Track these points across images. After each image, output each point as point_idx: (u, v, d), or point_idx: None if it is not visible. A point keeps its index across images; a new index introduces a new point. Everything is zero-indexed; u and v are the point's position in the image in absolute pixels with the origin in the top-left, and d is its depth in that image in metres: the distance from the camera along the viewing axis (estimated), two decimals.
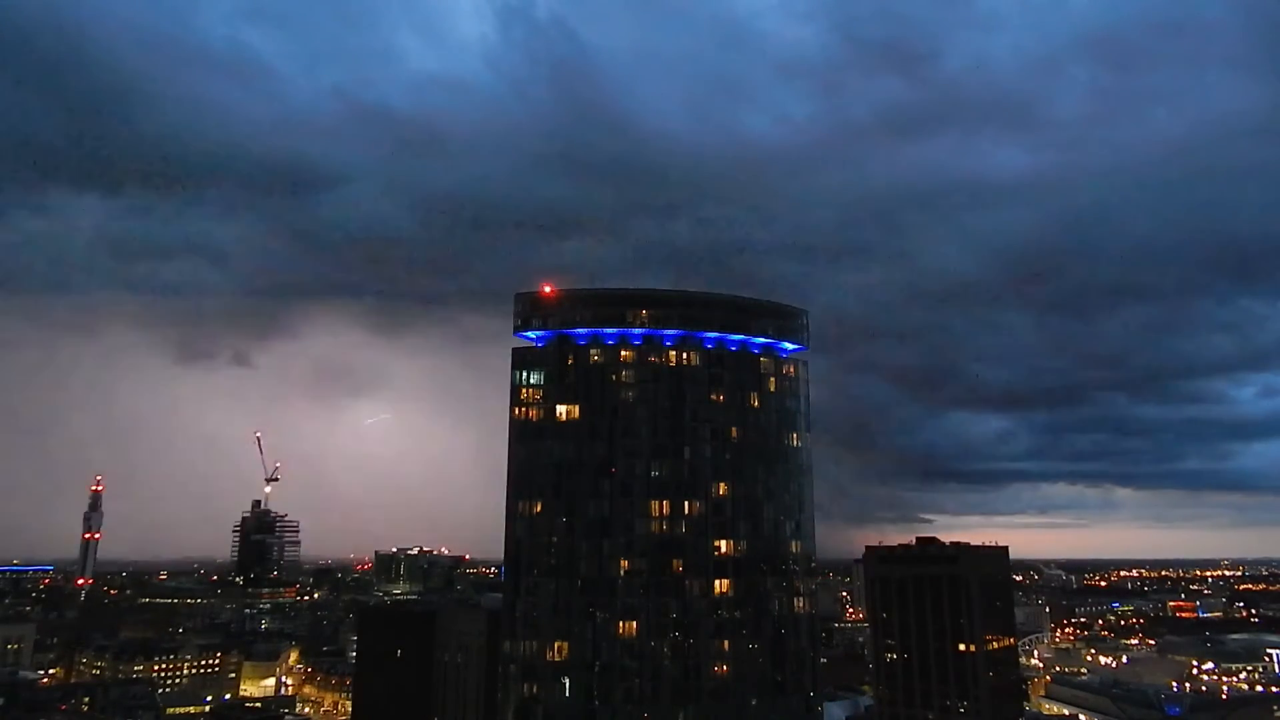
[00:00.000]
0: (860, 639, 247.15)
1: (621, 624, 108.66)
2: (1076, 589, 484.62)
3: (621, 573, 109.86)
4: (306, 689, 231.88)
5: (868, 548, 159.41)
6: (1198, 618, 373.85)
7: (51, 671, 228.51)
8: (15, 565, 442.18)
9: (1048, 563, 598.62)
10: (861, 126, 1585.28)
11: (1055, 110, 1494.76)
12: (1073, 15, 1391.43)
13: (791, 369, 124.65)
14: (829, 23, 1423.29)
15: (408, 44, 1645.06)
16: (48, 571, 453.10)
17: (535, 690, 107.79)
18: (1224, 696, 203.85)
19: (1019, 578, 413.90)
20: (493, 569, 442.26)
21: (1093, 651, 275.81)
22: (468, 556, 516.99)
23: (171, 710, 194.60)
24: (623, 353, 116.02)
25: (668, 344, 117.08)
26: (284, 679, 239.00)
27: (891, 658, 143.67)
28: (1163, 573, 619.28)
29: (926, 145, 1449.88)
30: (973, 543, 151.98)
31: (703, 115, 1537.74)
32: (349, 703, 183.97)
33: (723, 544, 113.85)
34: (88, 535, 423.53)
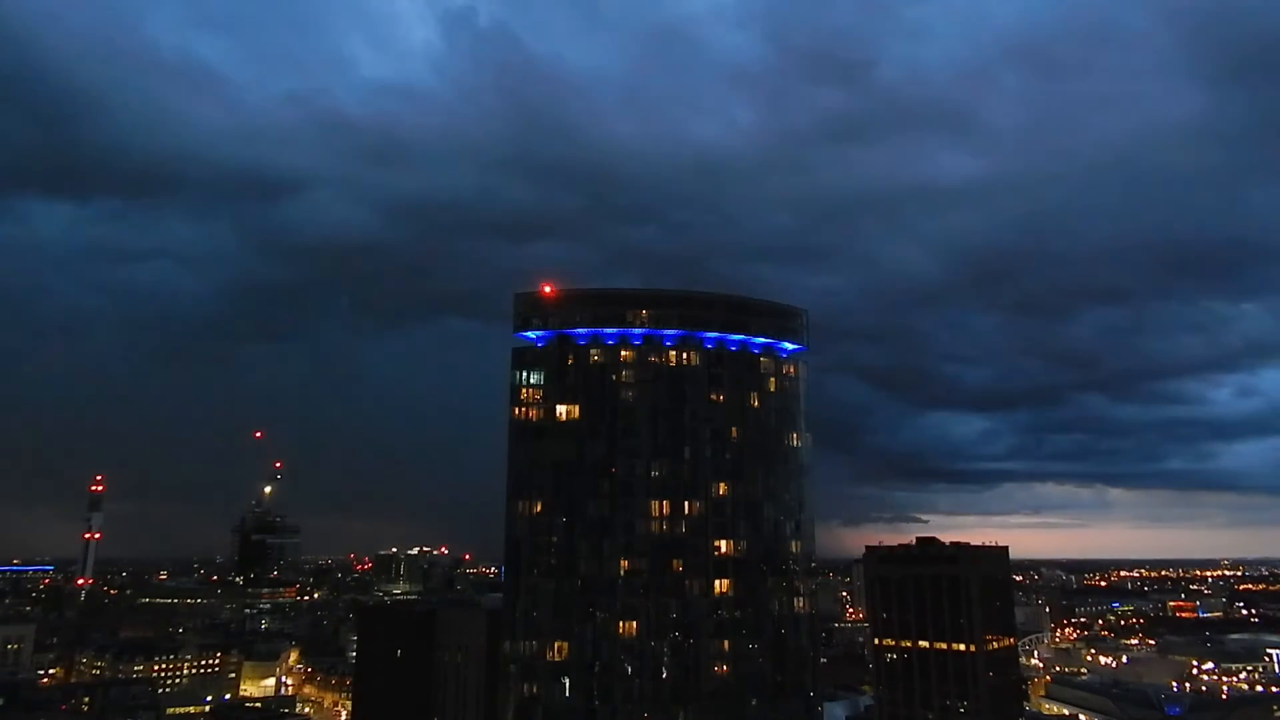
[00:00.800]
0: (860, 639, 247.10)
1: (621, 624, 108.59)
2: (1076, 589, 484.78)
3: (621, 573, 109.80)
4: (306, 689, 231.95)
5: (868, 548, 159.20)
6: (1198, 618, 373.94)
7: (51, 671, 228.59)
8: (15, 565, 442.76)
9: (1047, 563, 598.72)
10: (805, 133, 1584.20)
11: (992, 116, 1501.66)
12: (997, 25, 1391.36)
13: (791, 369, 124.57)
14: (761, 31, 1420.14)
15: (357, 51, 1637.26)
16: (48, 571, 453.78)
17: (535, 690, 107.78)
18: (1224, 696, 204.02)
19: (1019, 578, 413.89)
20: (493, 569, 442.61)
21: (1093, 651, 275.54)
22: (468, 556, 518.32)
23: (171, 710, 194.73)
24: (623, 353, 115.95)
25: (668, 344, 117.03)
26: (284, 679, 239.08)
27: (891, 658, 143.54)
28: (1162, 573, 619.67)
29: (872, 151, 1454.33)
30: (972, 543, 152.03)
31: (647, 121, 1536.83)
32: (349, 703, 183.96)
33: (723, 544, 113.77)
34: (88, 535, 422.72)
